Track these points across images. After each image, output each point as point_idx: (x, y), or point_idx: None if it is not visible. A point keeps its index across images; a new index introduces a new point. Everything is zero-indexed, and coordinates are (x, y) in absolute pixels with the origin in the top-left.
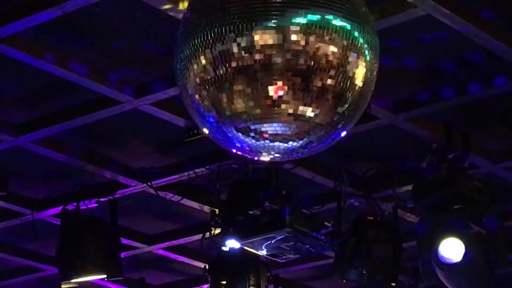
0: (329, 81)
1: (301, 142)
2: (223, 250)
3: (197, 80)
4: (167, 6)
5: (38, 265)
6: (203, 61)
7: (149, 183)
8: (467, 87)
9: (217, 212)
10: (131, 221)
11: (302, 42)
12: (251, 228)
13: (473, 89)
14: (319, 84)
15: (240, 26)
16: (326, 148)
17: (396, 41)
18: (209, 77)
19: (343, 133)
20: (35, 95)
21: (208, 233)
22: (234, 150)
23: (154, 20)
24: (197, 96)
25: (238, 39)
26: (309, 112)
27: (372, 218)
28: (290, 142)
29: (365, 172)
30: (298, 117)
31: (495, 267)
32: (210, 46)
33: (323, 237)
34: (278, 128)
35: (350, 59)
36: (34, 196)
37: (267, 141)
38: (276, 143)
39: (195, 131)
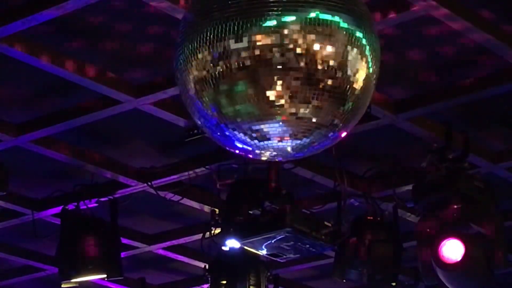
0: (329, 81)
1: (301, 142)
2: (223, 250)
3: (197, 80)
4: (167, 6)
5: (38, 265)
6: (203, 61)
7: (149, 183)
8: (467, 87)
9: (217, 212)
10: (131, 221)
11: (302, 42)
12: (251, 228)
13: (473, 89)
14: (320, 84)
15: (239, 26)
16: (326, 148)
17: (396, 41)
18: (209, 77)
19: (344, 133)
20: (35, 95)
21: (208, 233)
22: (234, 150)
23: (155, 19)
24: (197, 96)
25: (238, 39)
26: (310, 112)
27: (372, 218)
28: (291, 142)
29: (365, 172)
30: (299, 117)
31: (495, 267)
32: (209, 46)
33: (323, 237)
34: (278, 128)
35: (350, 59)
36: (34, 196)
37: (267, 141)
38: (277, 143)
39: (195, 131)
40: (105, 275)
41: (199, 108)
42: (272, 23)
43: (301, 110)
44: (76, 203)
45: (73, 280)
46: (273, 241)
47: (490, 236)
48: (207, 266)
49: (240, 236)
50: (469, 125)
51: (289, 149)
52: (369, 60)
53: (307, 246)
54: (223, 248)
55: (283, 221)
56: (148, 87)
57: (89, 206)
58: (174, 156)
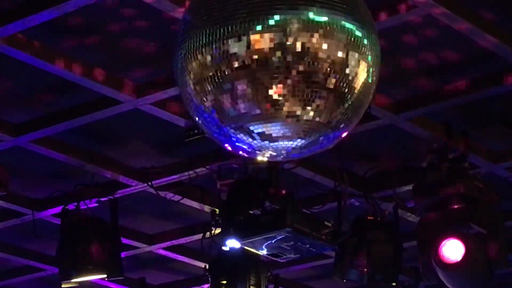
0: (330, 81)
1: (302, 142)
2: (223, 250)
3: (197, 80)
4: (167, 6)
5: (38, 265)
6: (203, 62)
7: (150, 183)
8: (468, 87)
9: (217, 212)
10: (132, 220)
11: (303, 42)
12: (251, 228)
13: (473, 89)
14: (320, 84)
15: (239, 26)
16: (327, 148)
17: (396, 41)
18: (209, 78)
19: (345, 134)
20: (35, 95)
21: (208, 233)
22: (235, 150)
23: (155, 19)
24: (197, 96)
25: (238, 39)
26: (310, 112)
27: (372, 218)
28: (291, 142)
29: (365, 172)
30: (299, 117)
31: (495, 267)
32: (209, 46)
33: (323, 237)
34: (279, 129)
35: (351, 59)
36: (35, 196)
37: (268, 142)
38: (277, 143)
39: (195, 130)
40: (105, 275)
41: (199, 108)
42: (272, 23)
43: (302, 110)
44: (76, 203)
45: (73, 280)
46: (273, 241)
47: (490, 236)
48: (207, 266)
49: (240, 236)
50: (469, 125)
51: (289, 149)
52: (370, 60)
53: (307, 246)
54: (224, 248)
55: (284, 221)
56: (148, 87)
57: (90, 206)
58: (174, 156)
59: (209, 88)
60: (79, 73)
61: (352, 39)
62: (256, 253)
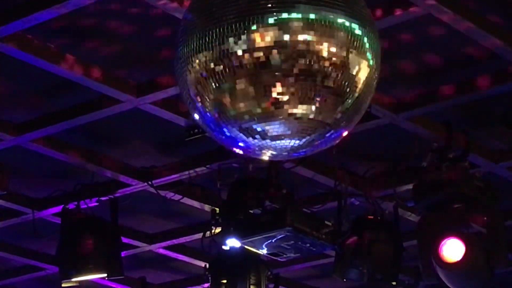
0: (330, 80)
1: (302, 141)
2: (223, 249)
3: (197, 79)
4: (168, 5)
5: (38, 264)
6: (203, 61)
7: (150, 182)
8: (468, 86)
9: (217, 211)
10: (132, 220)
11: (303, 41)
12: (251, 227)
13: (473, 89)
14: (321, 83)
15: (240, 25)
16: (327, 147)
17: (397, 40)
18: (209, 77)
19: (345, 133)
20: (35, 95)
21: (208, 232)
22: (235, 149)
23: (155, 19)
24: (197, 96)
25: (238, 38)
26: (311, 111)
27: (372, 217)
28: (292, 141)
29: (365, 172)
30: (299, 116)
31: (496, 266)
32: (210, 45)
33: (323, 236)
34: (279, 128)
35: (351, 58)
36: (35, 195)
37: (269, 141)
38: (278, 142)
39: (196, 130)
40: (105, 274)
41: (199, 107)
42: (272, 21)
43: (302, 109)
44: (76, 203)
45: (73, 280)
46: (273, 240)
47: (490, 236)
48: (207, 266)
49: (241, 235)
50: (469, 125)
51: (290, 148)
52: (370, 59)
53: (308, 245)
54: (224, 247)
55: (284, 220)
56: (149, 86)
57: (90, 205)
58: (174, 156)
59: (209, 87)
60: (79, 72)
61: (352, 37)
62: (256, 252)
